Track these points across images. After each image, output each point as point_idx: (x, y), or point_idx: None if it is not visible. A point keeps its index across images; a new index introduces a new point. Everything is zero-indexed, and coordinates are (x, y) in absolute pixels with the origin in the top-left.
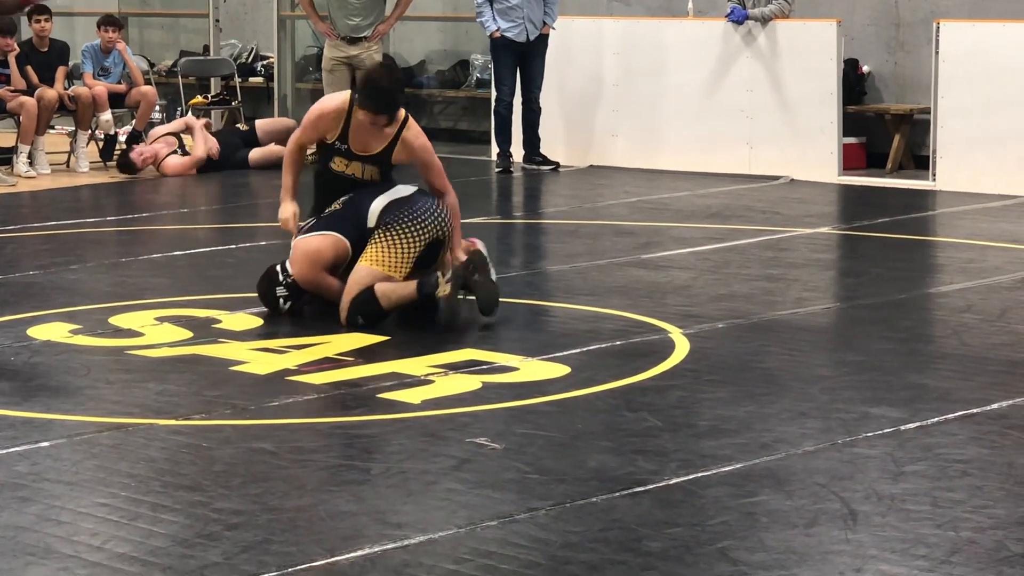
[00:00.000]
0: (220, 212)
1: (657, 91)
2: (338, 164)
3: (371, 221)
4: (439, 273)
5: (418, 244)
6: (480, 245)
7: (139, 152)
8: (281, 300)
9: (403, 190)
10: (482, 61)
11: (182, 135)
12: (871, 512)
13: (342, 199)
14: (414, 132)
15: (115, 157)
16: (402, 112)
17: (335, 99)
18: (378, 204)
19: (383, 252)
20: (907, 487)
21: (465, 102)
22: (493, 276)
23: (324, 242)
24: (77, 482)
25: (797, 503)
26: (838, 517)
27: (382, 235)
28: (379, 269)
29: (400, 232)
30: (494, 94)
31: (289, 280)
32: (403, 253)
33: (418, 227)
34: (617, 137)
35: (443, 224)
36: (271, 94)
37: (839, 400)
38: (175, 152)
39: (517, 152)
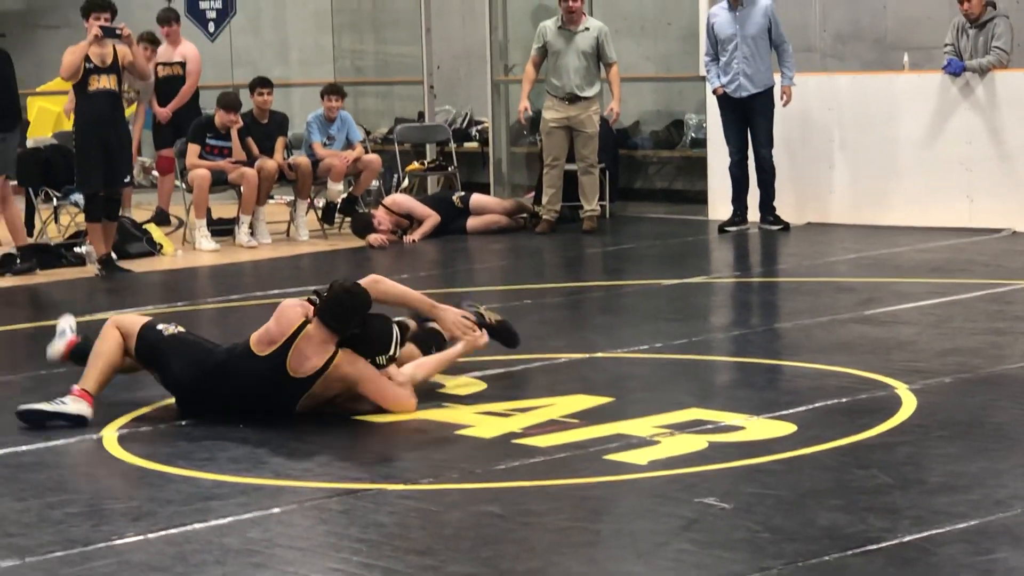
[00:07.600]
0: (439, 277)
1: (874, 146)
2: None
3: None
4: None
5: None
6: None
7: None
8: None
9: None
10: (696, 121)
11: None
12: None
13: None
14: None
15: (336, 221)
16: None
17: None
18: None
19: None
20: None
21: (680, 162)
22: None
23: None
24: (309, 548)
25: None
26: None
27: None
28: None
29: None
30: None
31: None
32: None
33: None
34: (834, 193)
35: None
36: (486, 159)
37: None
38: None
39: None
